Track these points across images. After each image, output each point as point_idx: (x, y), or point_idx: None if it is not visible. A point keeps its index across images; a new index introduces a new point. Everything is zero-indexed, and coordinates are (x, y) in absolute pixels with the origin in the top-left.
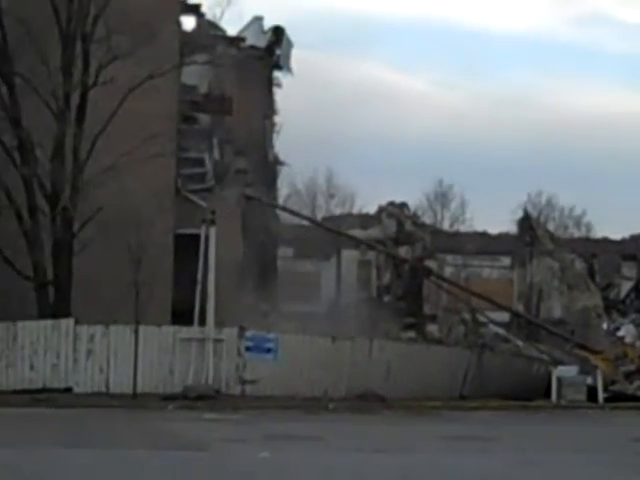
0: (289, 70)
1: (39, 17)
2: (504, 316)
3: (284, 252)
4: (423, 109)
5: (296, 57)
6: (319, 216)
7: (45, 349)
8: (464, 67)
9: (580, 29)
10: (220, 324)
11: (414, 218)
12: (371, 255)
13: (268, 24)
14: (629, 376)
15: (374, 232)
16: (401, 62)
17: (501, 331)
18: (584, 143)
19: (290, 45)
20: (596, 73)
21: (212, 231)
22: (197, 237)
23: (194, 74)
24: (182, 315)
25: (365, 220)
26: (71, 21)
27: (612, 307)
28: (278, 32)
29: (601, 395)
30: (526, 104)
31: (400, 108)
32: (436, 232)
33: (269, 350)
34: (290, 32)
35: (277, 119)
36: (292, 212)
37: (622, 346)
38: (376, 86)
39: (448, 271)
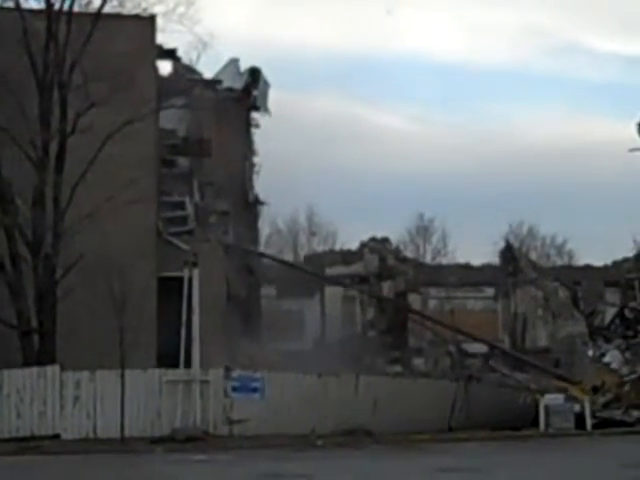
0: (267, 110)
1: (16, 67)
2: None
3: (267, 291)
4: (401, 144)
5: (274, 97)
6: (301, 254)
7: (31, 397)
8: (441, 101)
9: (554, 60)
10: (206, 365)
11: (396, 253)
12: (354, 291)
13: (245, 65)
14: (607, 405)
15: (357, 268)
16: (378, 98)
17: (487, 362)
18: (563, 172)
19: (267, 86)
20: (572, 102)
21: (195, 273)
22: (180, 280)
23: (172, 118)
24: (167, 358)
25: (347, 256)
26: (48, 69)
27: (597, 334)
28: (254, 73)
29: (589, 422)
30: (504, 136)
31: (379, 144)
32: (419, 266)
33: (255, 389)
34: (267, 72)
35: (256, 159)
36: (272, 258)
37: (602, 375)
38: (354, 123)
39: (432, 304)
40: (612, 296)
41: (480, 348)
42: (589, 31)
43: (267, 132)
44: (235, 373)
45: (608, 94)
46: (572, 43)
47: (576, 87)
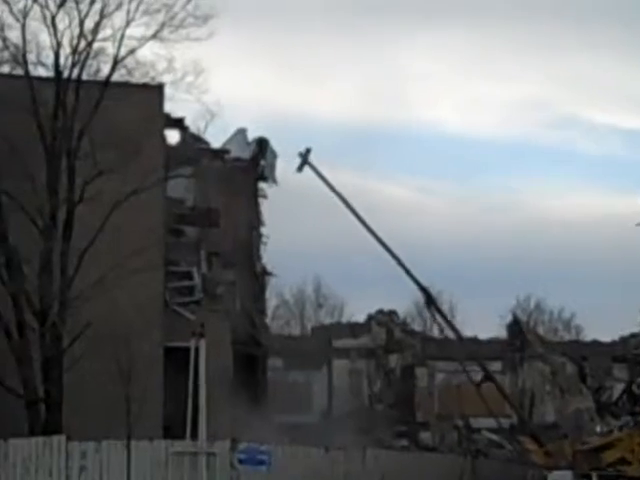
0: (274, 180)
1: (24, 134)
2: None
3: (274, 363)
4: (408, 216)
5: (282, 168)
6: (309, 326)
7: (37, 467)
8: (447, 173)
9: (555, 133)
10: (212, 437)
11: (403, 326)
12: (362, 364)
13: (252, 136)
14: None
15: (364, 341)
16: (385, 170)
17: (494, 437)
18: (567, 245)
19: (274, 156)
20: (573, 175)
21: (202, 344)
22: (187, 350)
23: (180, 187)
24: (174, 429)
25: (355, 329)
26: (56, 137)
27: (605, 410)
28: (262, 143)
29: None
30: (510, 208)
31: (385, 215)
32: (426, 339)
33: (262, 462)
34: (275, 143)
35: (264, 230)
36: None
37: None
38: (362, 194)
39: (439, 378)
40: (620, 372)
41: (488, 423)
42: (588, 104)
43: (275, 203)
44: (242, 445)
45: (608, 167)
46: (571, 116)
47: (576, 160)
